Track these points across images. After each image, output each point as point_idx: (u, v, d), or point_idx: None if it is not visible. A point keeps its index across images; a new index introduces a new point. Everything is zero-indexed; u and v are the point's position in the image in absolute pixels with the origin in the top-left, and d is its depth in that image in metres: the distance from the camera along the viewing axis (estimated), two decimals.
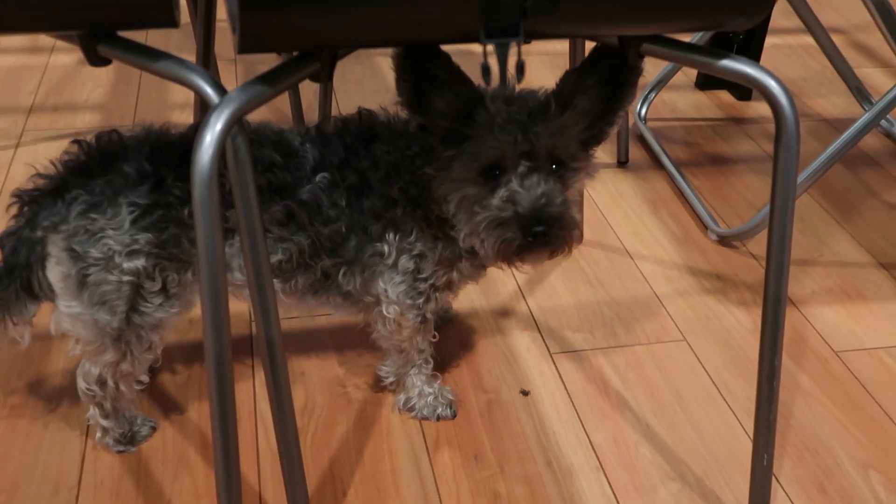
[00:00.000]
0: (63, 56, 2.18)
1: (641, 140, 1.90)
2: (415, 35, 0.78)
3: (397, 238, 1.05)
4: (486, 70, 0.72)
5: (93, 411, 1.10)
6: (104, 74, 2.09)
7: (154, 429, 1.16)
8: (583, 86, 0.95)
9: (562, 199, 0.95)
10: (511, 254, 0.96)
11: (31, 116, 1.90)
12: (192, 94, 1.97)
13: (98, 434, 1.12)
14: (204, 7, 1.22)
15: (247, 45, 0.73)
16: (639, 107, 1.99)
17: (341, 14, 0.71)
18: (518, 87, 0.91)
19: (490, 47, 0.72)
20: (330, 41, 0.78)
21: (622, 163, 1.81)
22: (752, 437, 1.16)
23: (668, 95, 2.11)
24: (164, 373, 1.25)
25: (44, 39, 2.26)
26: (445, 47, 0.88)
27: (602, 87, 0.96)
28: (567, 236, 0.96)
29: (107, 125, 1.85)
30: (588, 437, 1.18)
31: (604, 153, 1.82)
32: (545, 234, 0.93)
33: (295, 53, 0.82)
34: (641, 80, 1.98)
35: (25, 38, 2.26)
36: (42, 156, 1.73)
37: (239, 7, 0.69)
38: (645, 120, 1.98)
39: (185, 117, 1.90)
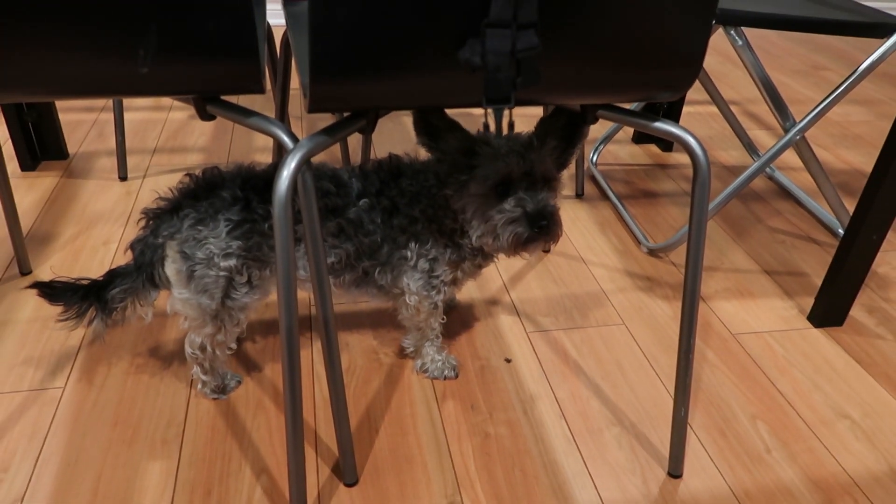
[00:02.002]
0: (177, 113, 2.18)
1: (593, 179, 1.89)
2: (436, 101, 0.77)
3: (417, 246, 1.04)
4: (486, 127, 0.71)
5: (196, 369, 1.09)
6: (207, 127, 2.08)
7: (239, 382, 1.15)
8: (552, 129, 0.95)
9: (554, 204, 0.95)
10: (520, 244, 0.95)
11: (154, 156, 1.90)
12: (270, 142, 1.98)
13: (199, 386, 1.11)
14: (281, 79, 1.22)
15: (314, 107, 0.72)
16: (591, 155, 1.98)
17: (384, 86, 0.70)
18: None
19: (490, 111, 0.71)
20: (374, 105, 0.77)
21: (579, 195, 1.80)
22: (672, 395, 1.15)
23: (612, 147, 2.10)
24: (247, 342, 1.24)
25: (164, 101, 2.26)
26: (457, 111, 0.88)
27: (563, 129, 0.96)
28: (559, 230, 0.96)
29: (209, 163, 1.86)
30: (553, 393, 1.17)
31: (567, 188, 1.81)
32: (547, 226, 0.93)
33: (347, 114, 0.82)
34: (593, 135, 1.99)
35: (151, 99, 2.26)
36: (162, 184, 1.73)
37: (310, 80, 0.68)
38: (596, 164, 1.97)
39: (265, 157, 1.89)
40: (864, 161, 2.09)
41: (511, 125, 0.71)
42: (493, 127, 0.70)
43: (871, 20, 1.30)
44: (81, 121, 2.08)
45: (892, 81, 2.79)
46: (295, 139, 0.77)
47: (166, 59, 0.69)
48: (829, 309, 1.35)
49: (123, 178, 1.76)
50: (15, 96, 0.71)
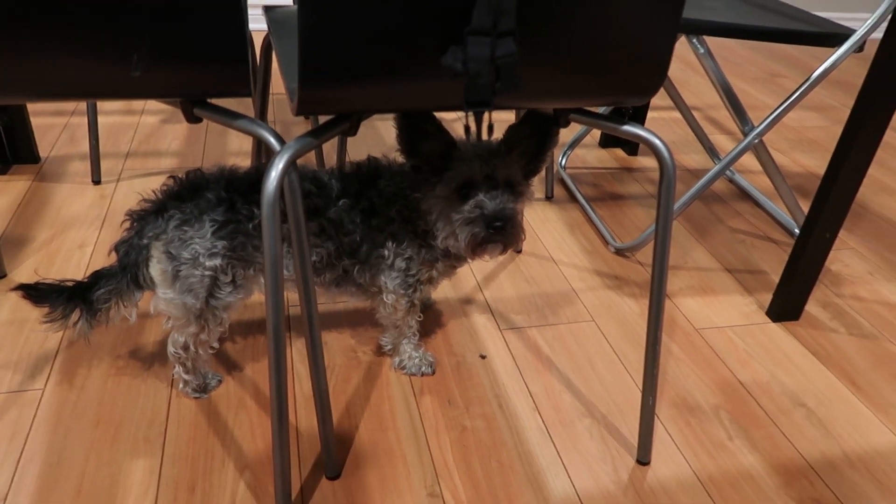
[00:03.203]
0: (150, 117, 2.17)
1: (562, 182, 1.93)
2: (420, 105, 0.79)
3: (394, 245, 1.06)
4: (467, 129, 0.74)
5: (178, 368, 1.10)
6: (180, 130, 2.08)
7: (220, 381, 1.16)
8: (520, 136, 0.97)
9: (513, 207, 0.97)
10: (477, 244, 0.96)
11: (127, 159, 1.89)
12: (244, 143, 1.98)
13: (181, 385, 1.12)
14: (261, 83, 1.24)
15: (302, 110, 0.74)
16: (561, 159, 2.03)
17: (370, 91, 0.73)
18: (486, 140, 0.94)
19: (470, 114, 0.74)
20: (359, 109, 0.79)
21: (549, 198, 1.84)
22: (640, 387, 1.20)
23: (580, 151, 2.15)
24: (227, 342, 1.25)
25: (136, 104, 2.24)
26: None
27: (533, 137, 0.98)
28: (517, 233, 0.97)
29: (183, 166, 1.86)
30: (527, 387, 1.20)
31: (537, 191, 1.86)
32: (503, 228, 0.94)
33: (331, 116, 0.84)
34: (562, 140, 2.03)
35: (123, 103, 2.25)
36: (137, 188, 1.73)
37: (299, 85, 0.70)
38: (565, 168, 2.01)
39: (239, 161, 1.89)
40: (818, 164, 2.18)
41: (490, 128, 0.74)
42: (473, 129, 0.74)
43: (824, 30, 1.37)
44: (52, 124, 2.06)
45: (844, 88, 2.90)
46: (282, 141, 0.79)
47: (159, 64, 0.71)
48: (786, 304, 1.41)
49: (97, 181, 1.75)
50: (8, 98, 0.73)
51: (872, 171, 2.11)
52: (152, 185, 1.01)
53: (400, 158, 1.02)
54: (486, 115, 0.74)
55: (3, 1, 0.63)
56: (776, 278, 1.53)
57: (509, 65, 0.70)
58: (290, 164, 0.77)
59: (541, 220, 1.73)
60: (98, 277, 1.00)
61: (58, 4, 0.65)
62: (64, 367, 1.17)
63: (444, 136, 0.96)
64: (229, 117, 0.80)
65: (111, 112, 2.18)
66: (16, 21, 0.65)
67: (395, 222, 1.05)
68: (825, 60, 1.40)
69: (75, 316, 0.99)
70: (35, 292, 0.98)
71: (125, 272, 0.99)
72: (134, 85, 0.72)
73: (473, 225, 0.95)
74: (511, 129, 0.98)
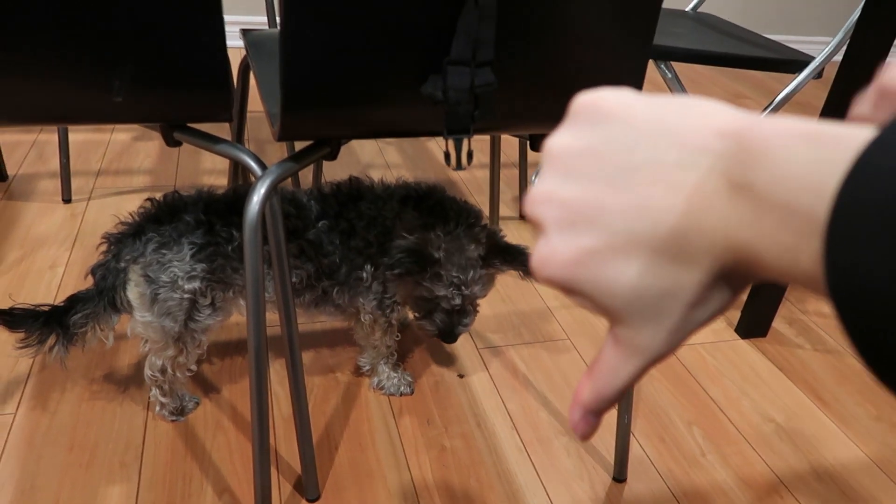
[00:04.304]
0: (120, 134, 2.15)
1: None
2: (400, 132, 0.81)
3: (371, 268, 1.07)
4: (447, 156, 0.76)
5: (154, 391, 1.09)
6: (152, 148, 2.07)
7: (198, 403, 1.16)
8: (500, 261, 1.10)
9: (469, 322, 1.11)
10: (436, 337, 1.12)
11: (98, 178, 1.87)
12: (217, 162, 1.97)
13: (157, 408, 1.11)
14: (238, 105, 1.24)
15: (284, 135, 0.75)
16: (533, 177, 2.05)
17: (352, 117, 0.75)
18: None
19: (450, 141, 0.76)
20: (340, 135, 0.81)
21: (522, 217, 1.87)
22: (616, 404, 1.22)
23: None
24: (205, 363, 1.25)
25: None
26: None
27: (512, 266, 1.11)
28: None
29: (155, 185, 1.84)
30: (505, 406, 1.21)
31: (512, 210, 1.88)
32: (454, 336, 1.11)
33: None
34: (536, 158, 2.05)
35: None
36: (108, 207, 1.71)
37: (281, 111, 0.72)
38: None
39: (212, 180, 1.89)
40: None
41: (470, 154, 0.76)
42: (453, 156, 0.75)
43: (784, 57, 1.42)
44: (20, 141, 2.03)
45: (804, 109, 3.00)
46: (263, 166, 0.80)
47: (140, 89, 0.71)
48: (754, 321, 1.45)
49: (67, 200, 1.73)
50: None
51: None
52: (124, 204, 1.01)
53: (381, 178, 1.03)
54: (465, 142, 0.75)
55: None
56: (744, 296, 1.57)
57: (488, 93, 0.72)
58: (273, 189, 0.78)
59: (515, 240, 1.72)
60: (74, 301, 0.99)
61: (38, 30, 0.65)
62: (36, 390, 1.15)
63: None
64: (210, 142, 0.81)
65: (81, 130, 2.16)
66: None
67: (373, 246, 1.06)
68: (786, 83, 1.46)
69: (51, 341, 0.98)
70: (10, 318, 0.97)
71: (102, 296, 0.98)
72: (115, 110, 0.72)
73: (435, 331, 1.10)
74: (496, 251, 1.08)
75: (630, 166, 0.25)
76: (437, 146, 2.25)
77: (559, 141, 0.28)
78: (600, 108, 0.27)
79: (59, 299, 1.33)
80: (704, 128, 0.24)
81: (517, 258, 1.09)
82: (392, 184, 1.09)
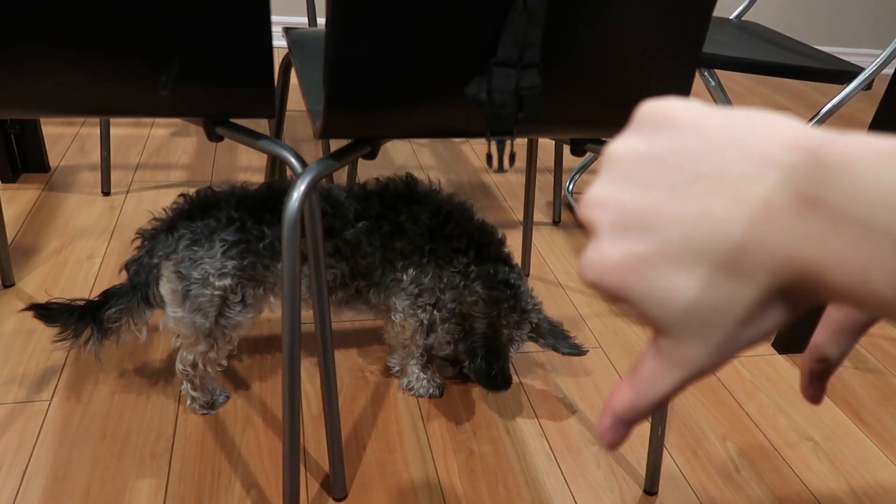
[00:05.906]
0: (160, 129, 2.18)
1: (569, 207, 1.94)
2: (444, 133, 0.80)
3: (413, 274, 1.07)
4: (489, 157, 0.75)
5: (185, 385, 1.10)
6: (190, 144, 2.09)
7: (228, 398, 1.16)
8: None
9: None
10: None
11: (137, 171, 1.90)
12: (253, 158, 1.99)
13: (188, 401, 1.12)
14: (279, 102, 1.25)
15: (326, 132, 0.75)
16: (568, 184, 2.04)
17: (394, 117, 0.74)
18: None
19: (493, 143, 0.76)
20: (381, 134, 0.80)
21: (556, 222, 1.85)
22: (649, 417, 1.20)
23: (588, 176, 2.15)
24: (235, 359, 1.25)
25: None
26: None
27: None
28: None
29: (192, 181, 1.86)
30: (534, 412, 1.20)
31: (544, 215, 1.87)
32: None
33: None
34: (570, 165, 2.04)
35: None
36: (146, 200, 1.74)
37: (325, 110, 0.71)
38: (572, 193, 2.03)
39: (247, 176, 1.91)
40: None
41: (512, 156, 0.75)
42: (495, 157, 0.74)
43: (833, 67, 1.39)
44: (63, 134, 2.07)
45: (848, 122, 2.93)
46: (304, 163, 0.80)
47: (186, 84, 0.72)
48: (792, 336, 1.41)
49: (107, 192, 1.76)
50: (37, 113, 0.73)
51: None
52: (161, 198, 1.02)
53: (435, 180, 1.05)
54: (507, 144, 0.74)
55: (38, 22, 0.64)
56: None
57: (533, 96, 0.71)
58: (312, 187, 0.78)
59: (548, 245, 1.74)
60: (108, 296, 1.00)
61: (90, 25, 0.66)
62: (71, 379, 1.17)
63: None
64: (251, 137, 0.81)
65: (122, 124, 2.19)
66: (49, 39, 0.65)
67: (423, 255, 1.06)
68: (829, 94, 1.42)
69: (86, 334, 0.99)
70: (46, 312, 0.98)
71: (135, 291, 0.99)
72: (160, 104, 0.73)
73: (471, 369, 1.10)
74: (538, 332, 1.17)
75: (693, 175, 0.24)
76: (470, 149, 2.24)
77: (622, 146, 0.27)
78: (667, 115, 0.26)
79: (96, 289, 1.35)
80: (774, 141, 0.23)
81: (558, 344, 1.17)
82: (441, 191, 1.11)
